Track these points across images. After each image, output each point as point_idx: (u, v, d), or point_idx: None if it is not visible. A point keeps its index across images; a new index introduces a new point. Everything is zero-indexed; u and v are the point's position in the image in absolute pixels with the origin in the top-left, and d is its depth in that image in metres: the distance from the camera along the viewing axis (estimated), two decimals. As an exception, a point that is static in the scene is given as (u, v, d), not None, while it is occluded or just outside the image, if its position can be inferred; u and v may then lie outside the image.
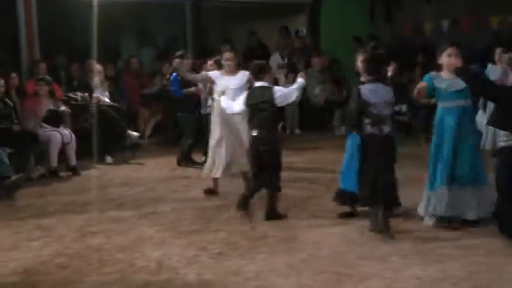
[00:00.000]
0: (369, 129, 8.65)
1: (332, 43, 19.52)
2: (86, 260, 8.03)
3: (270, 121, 9.60)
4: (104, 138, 13.99)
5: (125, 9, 16.93)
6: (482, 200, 8.76)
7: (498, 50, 13.83)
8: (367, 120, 8.65)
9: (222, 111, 10.78)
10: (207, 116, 13.66)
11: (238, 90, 10.72)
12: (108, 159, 14.16)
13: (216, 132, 11.09)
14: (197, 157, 13.79)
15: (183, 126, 14.03)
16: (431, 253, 7.81)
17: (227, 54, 11.12)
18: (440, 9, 20.29)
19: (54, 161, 12.92)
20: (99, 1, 11.90)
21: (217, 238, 8.57)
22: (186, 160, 13.87)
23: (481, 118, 13.21)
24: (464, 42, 18.63)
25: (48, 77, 14.10)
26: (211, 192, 11.18)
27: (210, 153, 11.18)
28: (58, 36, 17.47)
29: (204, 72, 11.86)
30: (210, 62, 14.33)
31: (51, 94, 13.68)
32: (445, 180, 8.77)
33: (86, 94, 14.67)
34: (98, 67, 14.84)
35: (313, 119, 17.82)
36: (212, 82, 11.38)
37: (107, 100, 14.91)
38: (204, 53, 16.90)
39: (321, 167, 12.81)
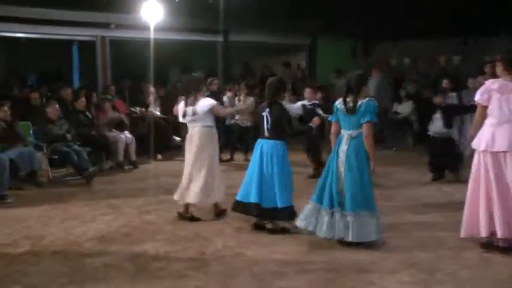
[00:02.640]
0: None
1: (325, 74, 19.57)
2: (143, 230, 8.20)
3: None
4: (156, 141, 14.05)
5: (172, 47, 17.04)
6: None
7: (445, 81, 13.99)
8: None
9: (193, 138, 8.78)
10: (232, 126, 13.88)
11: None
12: (159, 156, 14.13)
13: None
14: (224, 156, 13.94)
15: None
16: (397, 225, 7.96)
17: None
18: (403, 51, 20.42)
19: (120, 157, 13.04)
20: (154, 41, 12.05)
21: (238, 216, 8.53)
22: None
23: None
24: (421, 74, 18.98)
25: (110, 96, 14.32)
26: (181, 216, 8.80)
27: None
28: (124, 66, 17.62)
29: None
30: (242, 86, 14.61)
31: (114, 108, 13.87)
32: None
33: (143, 109, 14.81)
34: (152, 89, 14.94)
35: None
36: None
37: (158, 113, 15.04)
38: (230, 79, 17.05)
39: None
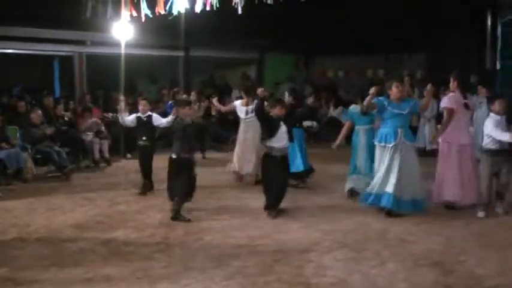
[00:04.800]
0: None
1: (271, 83, 19.67)
2: (115, 219, 8.18)
3: None
4: (126, 142, 13.96)
5: (140, 61, 16.95)
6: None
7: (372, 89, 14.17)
8: None
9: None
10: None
11: None
12: (128, 155, 13.94)
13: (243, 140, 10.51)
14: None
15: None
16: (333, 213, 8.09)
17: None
18: (337, 64, 20.65)
19: (96, 155, 12.88)
20: (124, 55, 11.98)
21: (197, 207, 8.62)
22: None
23: None
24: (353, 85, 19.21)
25: (89, 106, 14.17)
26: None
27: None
28: (98, 78, 17.45)
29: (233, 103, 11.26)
30: (192, 93, 14.54)
31: (91, 116, 13.71)
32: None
33: (115, 114, 14.68)
34: (122, 97, 14.82)
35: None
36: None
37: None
38: (190, 88, 17.03)
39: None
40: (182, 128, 8.28)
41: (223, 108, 11.99)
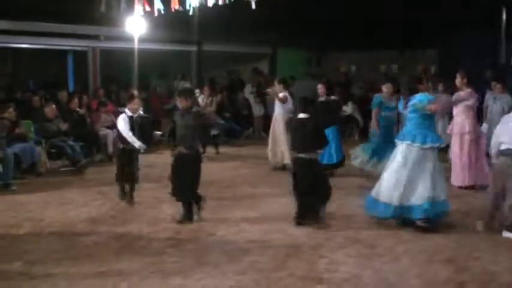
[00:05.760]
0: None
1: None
2: (128, 213, 8.22)
3: None
4: (139, 136, 13.93)
5: (153, 55, 16.97)
6: None
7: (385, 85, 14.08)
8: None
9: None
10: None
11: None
12: (142, 150, 13.89)
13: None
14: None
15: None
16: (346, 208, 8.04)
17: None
18: (350, 59, 20.58)
19: (110, 150, 12.83)
20: (137, 51, 12.01)
21: (209, 202, 8.56)
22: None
23: None
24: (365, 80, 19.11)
25: (105, 100, 14.19)
26: None
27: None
28: (112, 72, 17.48)
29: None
30: (205, 88, 14.47)
31: (106, 110, 13.70)
32: None
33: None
34: (135, 92, 14.83)
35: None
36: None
37: (141, 112, 14.91)
38: (202, 83, 17.03)
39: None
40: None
41: (280, 96, 11.60)
